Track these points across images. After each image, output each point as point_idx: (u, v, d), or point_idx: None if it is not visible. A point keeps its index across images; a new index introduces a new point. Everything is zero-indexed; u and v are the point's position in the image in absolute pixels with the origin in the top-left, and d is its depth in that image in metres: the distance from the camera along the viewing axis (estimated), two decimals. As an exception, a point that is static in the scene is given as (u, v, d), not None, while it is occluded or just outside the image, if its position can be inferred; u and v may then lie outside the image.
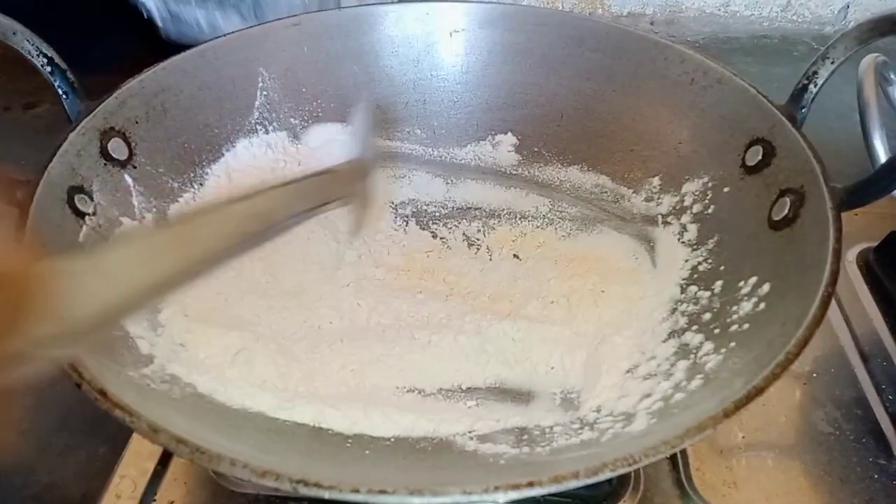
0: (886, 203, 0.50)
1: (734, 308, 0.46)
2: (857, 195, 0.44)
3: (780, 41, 0.92)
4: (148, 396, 0.40)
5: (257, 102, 0.62)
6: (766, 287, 0.45)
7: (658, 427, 0.39)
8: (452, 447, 0.44)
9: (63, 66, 0.51)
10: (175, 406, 0.41)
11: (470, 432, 0.45)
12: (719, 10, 0.91)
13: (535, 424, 0.45)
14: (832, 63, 0.50)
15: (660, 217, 0.58)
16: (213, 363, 0.47)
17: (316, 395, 0.47)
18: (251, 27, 0.62)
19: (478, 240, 0.63)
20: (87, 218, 0.48)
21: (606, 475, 0.31)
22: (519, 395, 0.50)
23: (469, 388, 0.50)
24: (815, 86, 0.50)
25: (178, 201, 0.56)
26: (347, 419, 0.45)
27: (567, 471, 0.31)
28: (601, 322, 0.53)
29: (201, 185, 0.58)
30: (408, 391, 0.49)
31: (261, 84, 0.62)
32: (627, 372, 0.47)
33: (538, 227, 0.63)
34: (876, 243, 0.62)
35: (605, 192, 0.63)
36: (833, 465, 0.49)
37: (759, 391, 0.34)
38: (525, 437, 0.44)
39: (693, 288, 0.51)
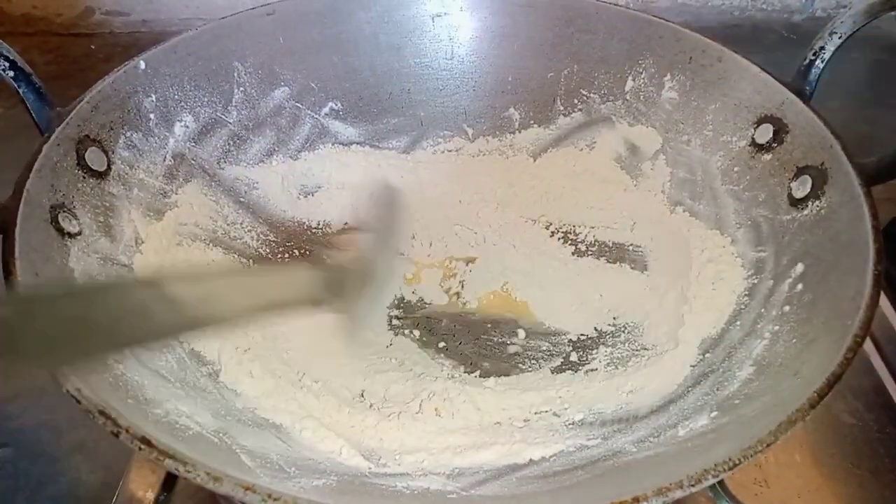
0: (886, 188, 0.49)
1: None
2: (886, 170, 0.44)
3: (752, 30, 0.94)
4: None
5: (235, 99, 0.58)
6: (799, 267, 0.45)
7: (725, 421, 0.38)
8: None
9: (27, 69, 0.46)
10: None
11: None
12: None
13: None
14: (839, 38, 0.50)
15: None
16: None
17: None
18: (224, 18, 0.57)
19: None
20: (74, 239, 0.43)
21: (710, 481, 0.30)
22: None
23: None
24: (822, 61, 0.50)
25: (163, 215, 0.51)
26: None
27: (671, 482, 0.29)
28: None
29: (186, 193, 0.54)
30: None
31: (237, 79, 0.58)
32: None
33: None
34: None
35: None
36: (860, 457, 0.49)
37: (837, 377, 0.34)
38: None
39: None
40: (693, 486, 0.29)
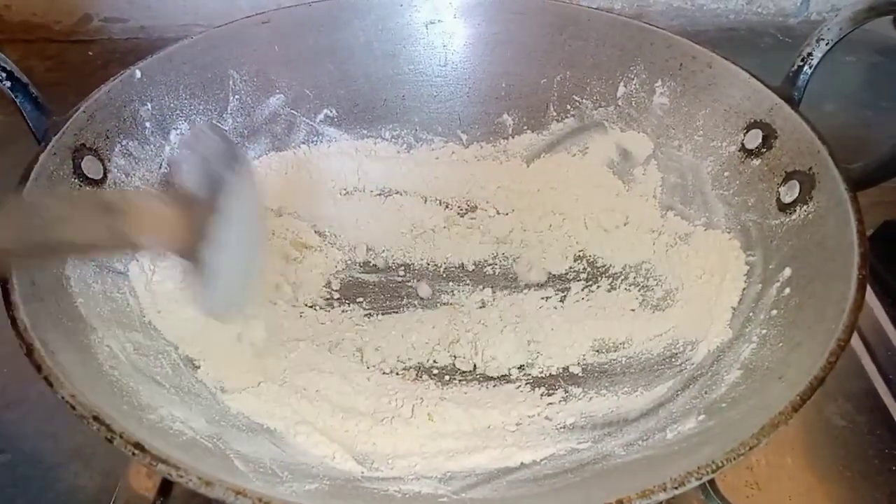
0: (876, 191, 0.49)
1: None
2: (872, 175, 0.44)
3: (747, 33, 0.94)
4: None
5: (230, 107, 0.59)
6: (787, 271, 0.45)
7: (711, 424, 0.38)
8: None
9: (24, 79, 0.46)
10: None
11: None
12: (686, 3, 0.92)
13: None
14: (826, 44, 0.50)
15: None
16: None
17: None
18: (219, 26, 0.58)
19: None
20: (70, 247, 0.43)
21: (693, 484, 0.30)
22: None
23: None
24: (811, 67, 0.51)
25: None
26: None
27: (654, 484, 0.30)
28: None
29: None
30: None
31: (232, 86, 0.59)
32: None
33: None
34: (869, 232, 0.61)
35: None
36: (851, 459, 0.49)
37: (820, 381, 0.34)
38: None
39: (707, 275, 0.51)
40: (676, 488, 0.30)
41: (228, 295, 0.41)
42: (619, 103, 0.61)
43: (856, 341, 0.55)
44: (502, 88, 0.64)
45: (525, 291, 0.56)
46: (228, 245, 0.38)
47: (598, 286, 0.55)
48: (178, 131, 0.55)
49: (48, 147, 0.45)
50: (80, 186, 0.47)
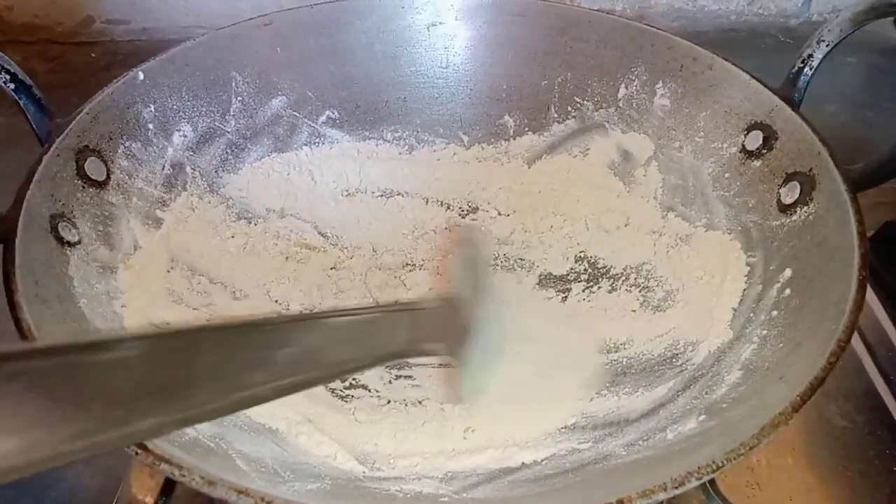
0: (877, 192, 0.49)
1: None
2: (872, 175, 0.44)
3: (748, 34, 0.94)
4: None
5: (233, 109, 0.59)
6: (787, 272, 0.45)
7: (712, 424, 0.39)
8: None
9: (28, 81, 0.47)
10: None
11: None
12: (687, 4, 0.93)
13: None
14: (827, 46, 0.50)
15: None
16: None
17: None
18: (221, 28, 0.58)
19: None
20: (74, 248, 0.44)
21: (693, 483, 0.30)
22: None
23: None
24: (811, 68, 0.51)
25: (162, 223, 0.52)
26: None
27: (655, 484, 0.30)
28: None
29: (190, 205, 0.55)
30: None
31: (234, 88, 0.59)
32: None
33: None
34: (870, 233, 0.58)
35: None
36: (851, 459, 0.49)
37: (820, 381, 0.34)
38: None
39: (709, 276, 0.51)
40: (677, 488, 0.30)
41: (481, 380, 0.46)
42: (620, 105, 0.61)
43: (856, 342, 0.56)
44: (503, 90, 0.65)
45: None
46: (483, 337, 0.44)
47: (599, 287, 0.56)
48: (181, 133, 0.56)
49: (52, 149, 0.45)
50: (84, 187, 0.47)
